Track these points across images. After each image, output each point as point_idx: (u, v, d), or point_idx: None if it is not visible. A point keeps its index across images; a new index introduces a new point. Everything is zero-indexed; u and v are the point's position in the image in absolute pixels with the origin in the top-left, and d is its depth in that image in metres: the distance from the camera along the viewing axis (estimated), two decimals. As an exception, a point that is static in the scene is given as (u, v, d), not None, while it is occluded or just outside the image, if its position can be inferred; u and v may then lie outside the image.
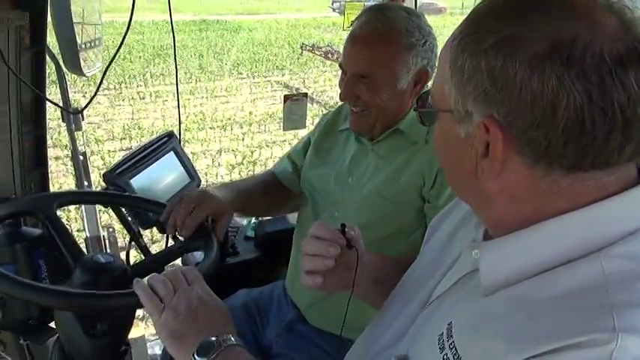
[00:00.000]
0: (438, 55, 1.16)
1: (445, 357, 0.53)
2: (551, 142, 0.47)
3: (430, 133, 1.13)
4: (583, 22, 0.46)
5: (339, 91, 1.17)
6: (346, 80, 1.14)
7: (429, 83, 1.16)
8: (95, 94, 1.29)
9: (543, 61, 0.45)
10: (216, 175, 5.13)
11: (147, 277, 0.77)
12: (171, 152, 1.41)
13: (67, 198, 1.07)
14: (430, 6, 28.46)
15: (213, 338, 0.67)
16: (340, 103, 1.32)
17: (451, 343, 0.53)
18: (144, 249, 1.38)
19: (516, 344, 0.47)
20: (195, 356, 0.65)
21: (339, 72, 1.19)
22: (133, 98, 8.20)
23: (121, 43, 1.21)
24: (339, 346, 0.90)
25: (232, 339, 0.68)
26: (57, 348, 0.93)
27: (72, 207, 4.11)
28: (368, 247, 0.82)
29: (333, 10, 23.75)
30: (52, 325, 1.03)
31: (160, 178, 1.38)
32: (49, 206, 0.96)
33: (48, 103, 1.30)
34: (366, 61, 1.10)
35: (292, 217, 1.66)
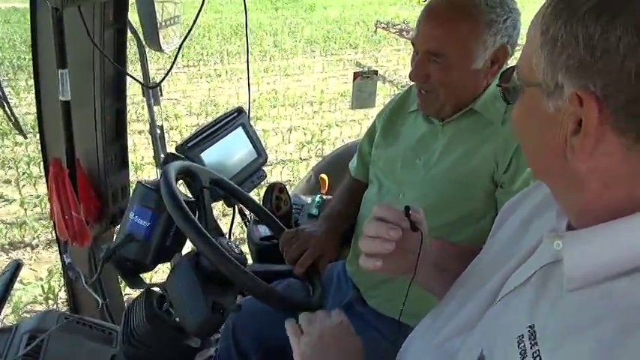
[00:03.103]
0: (520, 32, 1.07)
1: None
2: None
3: (508, 113, 1.05)
4: None
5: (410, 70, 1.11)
6: (417, 58, 1.07)
7: (509, 62, 1.08)
8: (170, 69, 1.33)
9: None
10: (286, 153, 5.20)
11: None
12: (240, 128, 1.44)
13: (219, 183, 1.10)
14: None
15: None
16: (410, 84, 1.27)
17: (535, 352, 0.48)
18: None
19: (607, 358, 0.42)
20: None
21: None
22: (210, 76, 8.47)
23: (194, 21, 1.23)
24: (398, 330, 0.88)
25: None
26: (145, 301, 0.98)
27: (151, 168, 4.37)
28: (434, 232, 0.78)
29: (411, -15, 23.00)
30: (143, 276, 1.10)
31: (229, 152, 1.41)
32: (205, 179, 1.03)
33: (128, 78, 1.36)
34: (440, 38, 1.02)
35: (357, 197, 1.63)
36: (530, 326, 0.51)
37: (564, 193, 0.54)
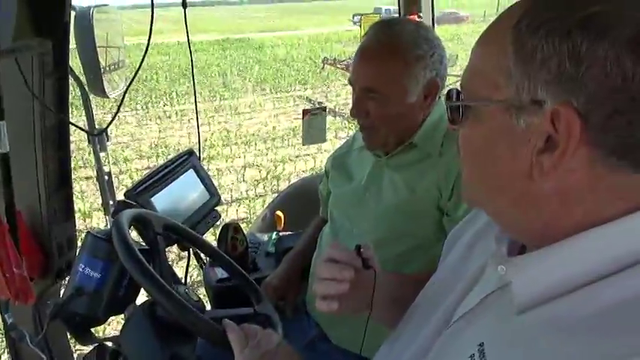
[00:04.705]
0: (447, 66, 1.15)
1: None
2: (632, 133, 0.43)
3: (445, 145, 1.12)
4: None
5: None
6: (355, 96, 1.13)
7: (441, 94, 1.14)
8: (116, 114, 1.31)
9: (639, 41, 0.42)
10: (241, 191, 5.16)
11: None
12: (191, 170, 1.43)
13: (173, 228, 1.06)
14: (451, 15, 28.49)
15: None
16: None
17: None
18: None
19: None
20: None
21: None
22: (159, 117, 8.38)
23: (140, 64, 1.23)
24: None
25: None
26: (97, 358, 0.96)
27: (100, 215, 4.20)
28: (387, 264, 0.80)
29: (354, 23, 23.93)
30: (95, 330, 1.07)
31: (181, 195, 1.39)
32: (158, 226, 1.00)
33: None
34: (373, 75, 1.09)
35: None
36: (480, 344, 0.51)
37: (519, 214, 0.52)
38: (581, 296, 0.46)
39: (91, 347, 1.03)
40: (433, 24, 1.98)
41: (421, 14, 1.89)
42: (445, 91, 0.60)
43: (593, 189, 0.46)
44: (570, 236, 0.48)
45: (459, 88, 0.55)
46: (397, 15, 2.03)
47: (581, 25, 0.44)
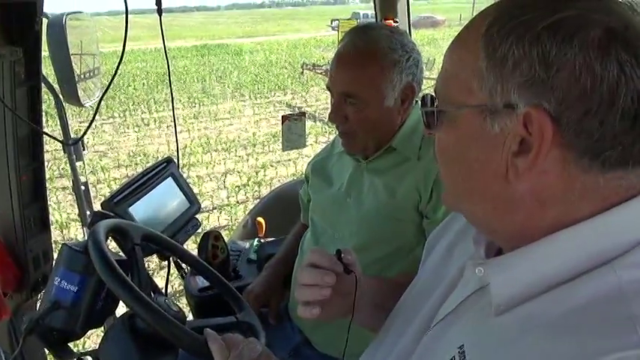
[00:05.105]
0: (423, 70, 1.16)
1: None
2: (603, 133, 0.44)
3: (423, 149, 1.13)
4: (631, 11, 0.45)
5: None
6: (334, 101, 1.13)
7: (417, 98, 1.15)
8: (91, 123, 1.29)
9: (606, 44, 0.43)
10: (222, 198, 5.12)
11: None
12: (170, 178, 1.41)
13: (151, 238, 1.04)
14: (428, 19, 28.92)
15: None
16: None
17: None
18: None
19: None
20: None
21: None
22: (137, 125, 8.28)
23: (116, 72, 1.21)
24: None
25: None
26: None
27: (77, 226, 4.13)
28: (370, 268, 0.80)
29: (333, 28, 24.08)
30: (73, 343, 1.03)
31: (160, 204, 1.37)
32: (136, 236, 0.98)
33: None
34: (350, 80, 1.09)
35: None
36: (460, 347, 0.52)
37: (495, 216, 0.53)
38: (557, 295, 0.47)
39: (68, 362, 1.00)
40: (410, 28, 2.00)
41: (397, 19, 1.90)
42: (420, 96, 0.60)
43: (566, 189, 0.47)
44: (546, 236, 0.49)
45: (433, 94, 0.55)
46: (375, 20, 2.04)
47: (550, 30, 0.45)
